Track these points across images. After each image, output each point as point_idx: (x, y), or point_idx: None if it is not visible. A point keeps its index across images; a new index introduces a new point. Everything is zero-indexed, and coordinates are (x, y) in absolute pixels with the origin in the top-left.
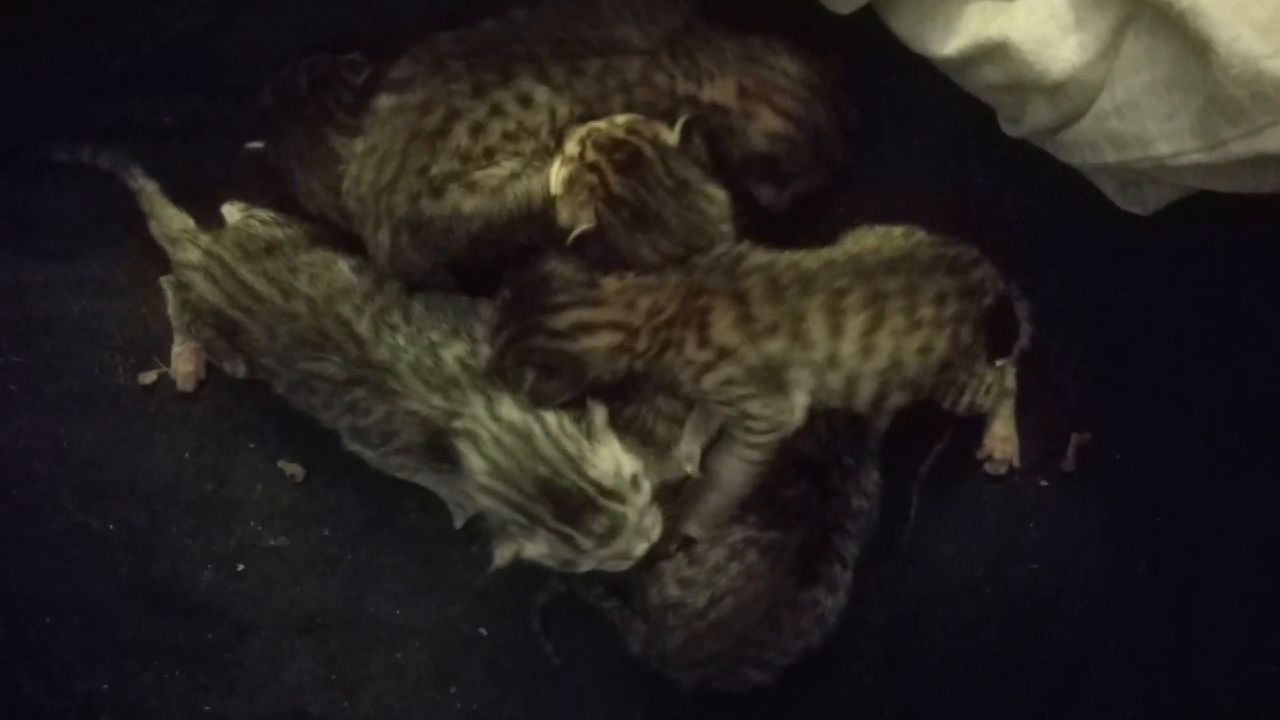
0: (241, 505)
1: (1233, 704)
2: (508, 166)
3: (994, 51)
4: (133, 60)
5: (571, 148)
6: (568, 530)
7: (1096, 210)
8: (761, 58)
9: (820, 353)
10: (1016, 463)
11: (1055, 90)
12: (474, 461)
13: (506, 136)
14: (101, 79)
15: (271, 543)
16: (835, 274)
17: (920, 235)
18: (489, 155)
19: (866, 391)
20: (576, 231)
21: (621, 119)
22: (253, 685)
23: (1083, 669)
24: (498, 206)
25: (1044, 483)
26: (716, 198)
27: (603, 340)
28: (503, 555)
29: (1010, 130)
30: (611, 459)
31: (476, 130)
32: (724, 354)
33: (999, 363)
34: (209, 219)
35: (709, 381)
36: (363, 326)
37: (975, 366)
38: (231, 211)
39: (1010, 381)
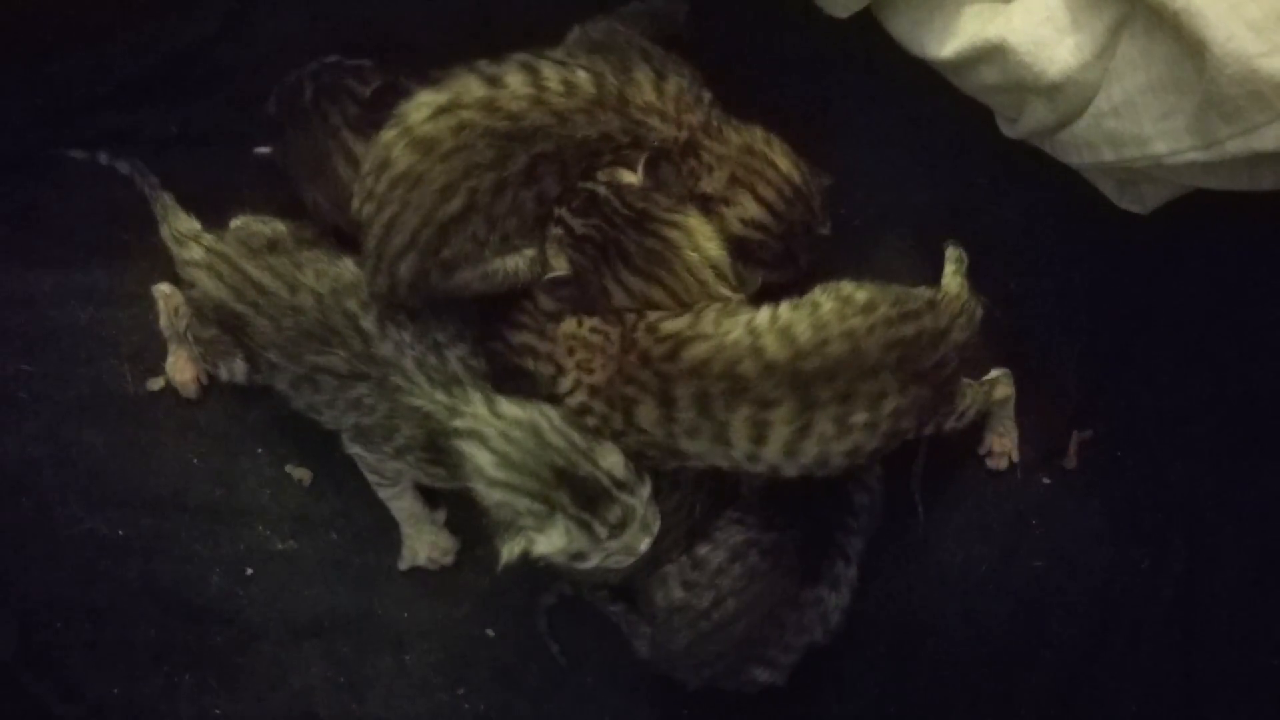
0: (249, 510)
1: (1237, 700)
2: (529, 254)
3: (991, 53)
4: (141, 69)
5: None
6: (587, 517)
7: (1095, 209)
8: (759, 151)
9: (740, 451)
10: (1015, 457)
11: (1052, 91)
12: (481, 457)
13: (519, 231)
14: (109, 88)
15: (279, 546)
16: (769, 385)
17: (883, 310)
18: (504, 242)
19: (790, 473)
20: (548, 276)
21: None
22: (262, 688)
23: (1087, 665)
24: (505, 284)
25: (1046, 480)
26: (684, 224)
27: (545, 369)
28: (511, 551)
29: (1008, 131)
30: (616, 452)
31: (493, 222)
32: (641, 433)
33: (994, 372)
34: (216, 226)
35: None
36: (368, 322)
37: (942, 409)
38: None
39: (1003, 391)
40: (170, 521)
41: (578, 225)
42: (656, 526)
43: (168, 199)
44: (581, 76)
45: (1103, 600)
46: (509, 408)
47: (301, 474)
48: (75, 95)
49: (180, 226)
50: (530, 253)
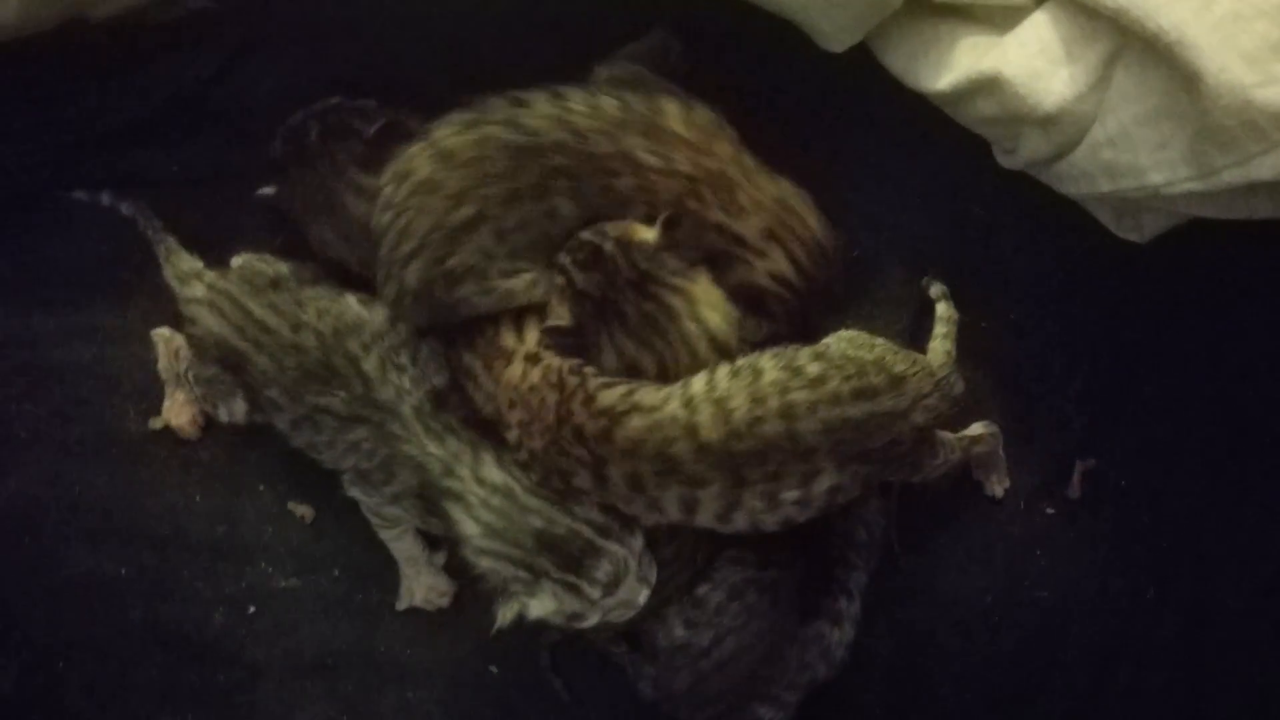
0: (252, 547)
1: None
2: (527, 278)
3: (987, 85)
4: (143, 110)
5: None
6: (573, 580)
7: (1094, 239)
8: (792, 206)
9: (672, 518)
10: (1007, 483)
11: (1048, 122)
12: (468, 526)
13: (530, 246)
14: (112, 129)
15: (282, 584)
16: (701, 467)
17: (832, 385)
18: (512, 258)
19: (726, 532)
20: (548, 324)
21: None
22: None
23: (1093, 696)
24: (508, 304)
25: (1050, 510)
26: (688, 291)
27: (483, 403)
28: (505, 616)
29: (1005, 162)
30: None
31: (502, 236)
32: (583, 493)
33: (975, 427)
34: (218, 265)
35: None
36: (370, 365)
37: (900, 473)
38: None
39: (985, 446)
40: (172, 560)
41: (579, 279)
42: (654, 576)
43: (171, 241)
44: (607, 101)
45: (1108, 630)
46: (490, 471)
47: (304, 511)
48: (78, 136)
49: (183, 266)
50: (530, 277)
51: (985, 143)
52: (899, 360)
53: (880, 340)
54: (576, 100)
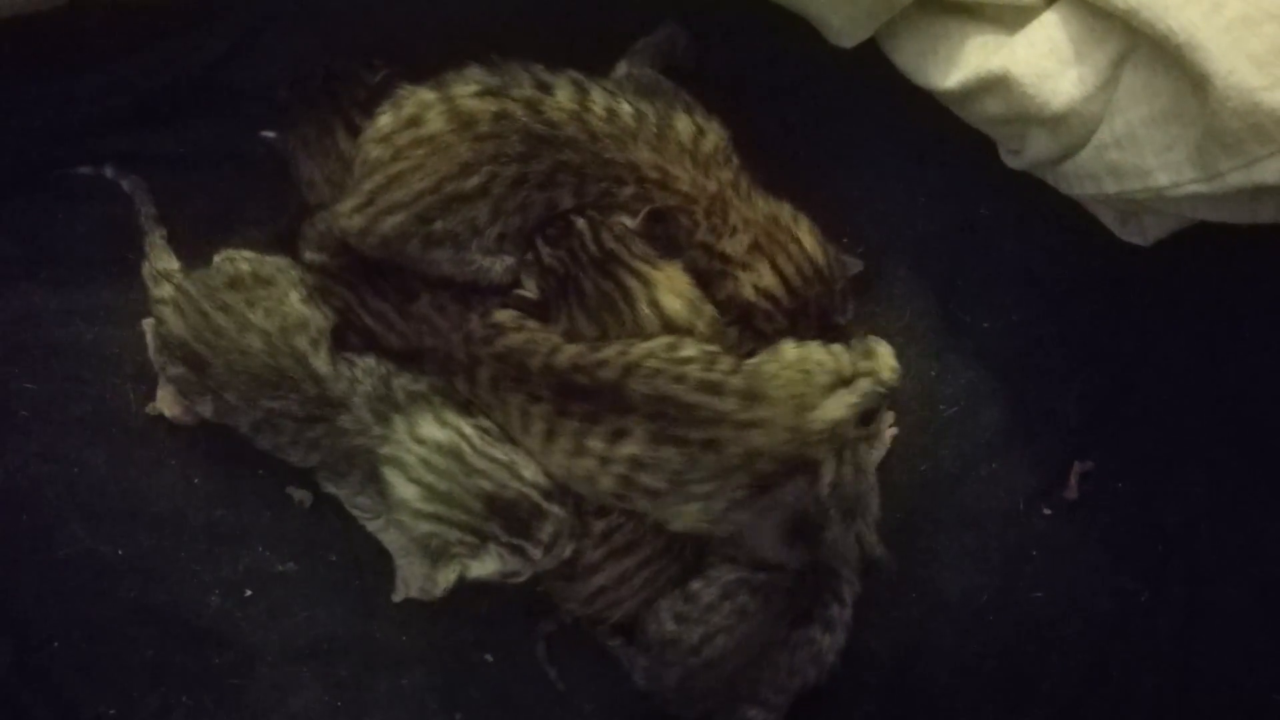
0: (249, 531)
1: None
2: (507, 262)
3: (995, 84)
4: (150, 90)
5: None
6: (519, 542)
7: (1097, 241)
8: (785, 224)
9: (515, 430)
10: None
11: (1055, 122)
12: (403, 489)
13: (519, 231)
14: (119, 108)
15: (279, 568)
16: (540, 383)
17: (688, 368)
18: (500, 240)
19: (557, 476)
20: (515, 292)
21: None
22: (259, 711)
23: (1086, 698)
24: (476, 279)
25: (1047, 511)
26: (648, 276)
27: (391, 341)
28: (446, 578)
29: (1011, 162)
30: (532, 462)
31: (498, 215)
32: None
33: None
34: (219, 247)
35: None
36: (319, 361)
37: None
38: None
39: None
40: (170, 541)
41: (546, 254)
42: (578, 531)
43: (157, 236)
44: (625, 109)
45: (1102, 633)
46: (429, 429)
47: (302, 496)
48: (84, 115)
49: (159, 264)
50: (509, 262)
51: (991, 143)
52: (793, 396)
53: (818, 371)
54: (597, 100)
